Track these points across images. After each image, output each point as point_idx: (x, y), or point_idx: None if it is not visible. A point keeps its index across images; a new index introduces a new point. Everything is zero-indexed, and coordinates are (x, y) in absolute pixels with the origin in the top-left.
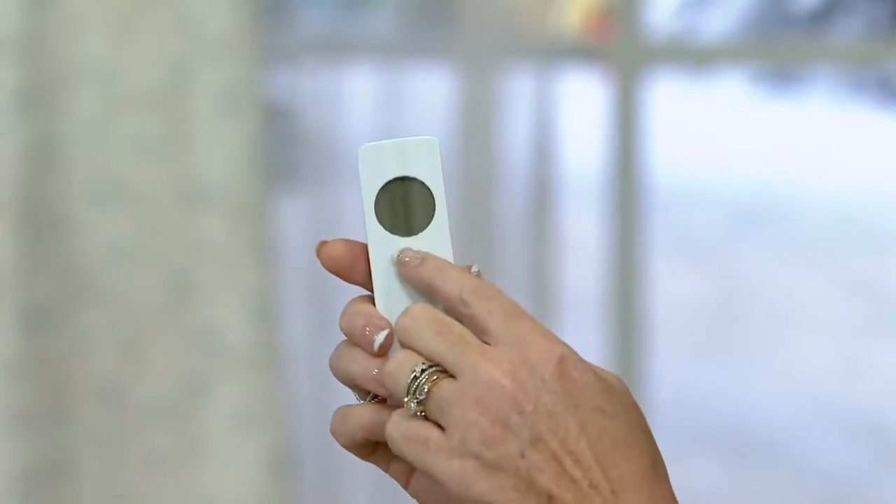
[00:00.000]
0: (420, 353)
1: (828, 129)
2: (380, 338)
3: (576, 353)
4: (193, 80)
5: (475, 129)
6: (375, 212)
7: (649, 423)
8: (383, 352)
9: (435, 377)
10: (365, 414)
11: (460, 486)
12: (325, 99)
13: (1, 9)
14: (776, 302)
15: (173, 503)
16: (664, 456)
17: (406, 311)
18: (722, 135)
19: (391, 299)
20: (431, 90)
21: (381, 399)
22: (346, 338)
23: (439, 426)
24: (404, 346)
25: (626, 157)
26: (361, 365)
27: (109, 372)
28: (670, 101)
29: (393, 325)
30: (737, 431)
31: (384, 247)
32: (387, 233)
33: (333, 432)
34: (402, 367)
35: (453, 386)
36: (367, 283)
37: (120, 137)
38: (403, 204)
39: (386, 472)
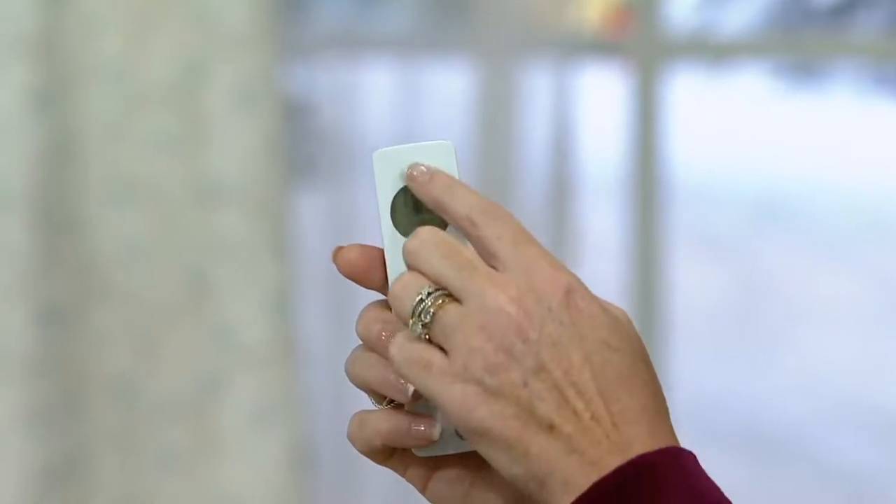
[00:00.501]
0: (427, 276)
1: (849, 124)
2: None
3: (583, 284)
4: (210, 76)
5: (493, 124)
6: (391, 216)
7: None
8: None
9: (441, 301)
10: (382, 419)
11: (461, 412)
12: (343, 94)
13: (17, 8)
14: (796, 297)
15: (189, 501)
16: None
17: (415, 234)
18: (742, 130)
19: None
20: (449, 85)
21: (399, 404)
22: (361, 343)
23: (443, 350)
24: (411, 268)
25: (645, 153)
26: (378, 370)
27: (125, 369)
28: (690, 96)
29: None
30: (755, 428)
31: (400, 252)
32: (403, 237)
33: (351, 438)
34: (407, 290)
35: (459, 310)
36: (384, 289)
37: (136, 135)
38: (418, 208)
39: (403, 476)
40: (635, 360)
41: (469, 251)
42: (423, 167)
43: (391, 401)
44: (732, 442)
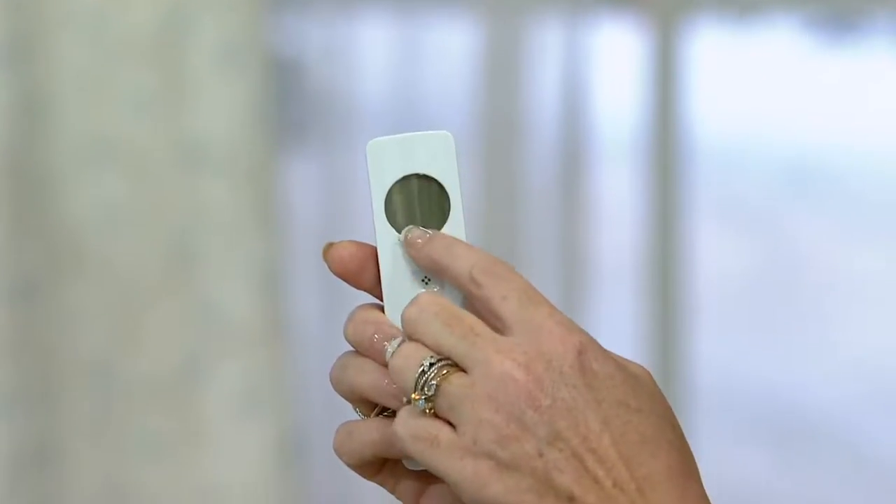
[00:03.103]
0: (427, 346)
1: (890, 83)
2: (392, 347)
3: (596, 343)
4: (193, 29)
5: (500, 85)
6: (385, 212)
7: (689, 405)
8: None
9: (444, 371)
10: (373, 429)
11: (473, 488)
12: (337, 51)
13: None
14: (830, 272)
15: (171, 492)
16: (705, 443)
17: (413, 301)
18: (771, 89)
19: (402, 306)
20: (452, 42)
21: (391, 413)
22: (351, 348)
23: (450, 424)
24: (411, 338)
25: (664, 115)
26: (371, 376)
27: (101, 350)
28: (713, 52)
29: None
30: (786, 416)
31: (395, 250)
32: (398, 235)
33: (338, 450)
34: (408, 362)
35: (464, 381)
36: (376, 289)
37: (112, 92)
38: (415, 203)
39: (392, 492)
40: (658, 419)
41: (471, 317)
42: (420, 231)
43: (381, 411)
44: (760, 429)
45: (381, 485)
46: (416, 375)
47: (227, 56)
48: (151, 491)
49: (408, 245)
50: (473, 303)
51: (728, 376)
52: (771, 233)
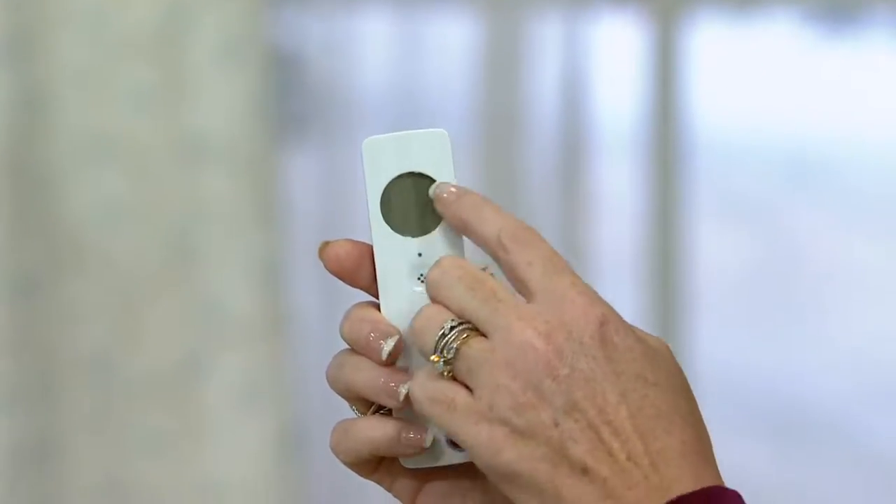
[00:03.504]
0: (450, 309)
1: (890, 76)
2: (388, 345)
3: (618, 315)
4: (193, 24)
5: (500, 78)
6: (381, 210)
7: None
8: (391, 360)
9: (465, 335)
10: (370, 427)
11: (487, 453)
12: (337, 46)
13: None
14: (831, 265)
15: (171, 486)
16: None
17: (437, 263)
18: (770, 83)
19: (398, 305)
20: (452, 36)
21: (388, 411)
22: (347, 346)
23: (468, 388)
24: (434, 300)
25: (665, 108)
26: (368, 374)
27: (101, 345)
28: (713, 46)
29: (401, 332)
30: (785, 408)
31: (391, 248)
32: (394, 233)
33: (334, 448)
34: (430, 323)
35: (484, 345)
36: (372, 287)
37: (112, 88)
38: (412, 202)
39: (389, 490)
40: (675, 394)
41: (494, 281)
42: (450, 186)
43: (378, 409)
44: (761, 422)
45: (378, 483)
46: (437, 338)
47: (227, 51)
48: (152, 486)
49: (437, 200)
50: (500, 266)
51: (727, 369)
52: (770, 226)
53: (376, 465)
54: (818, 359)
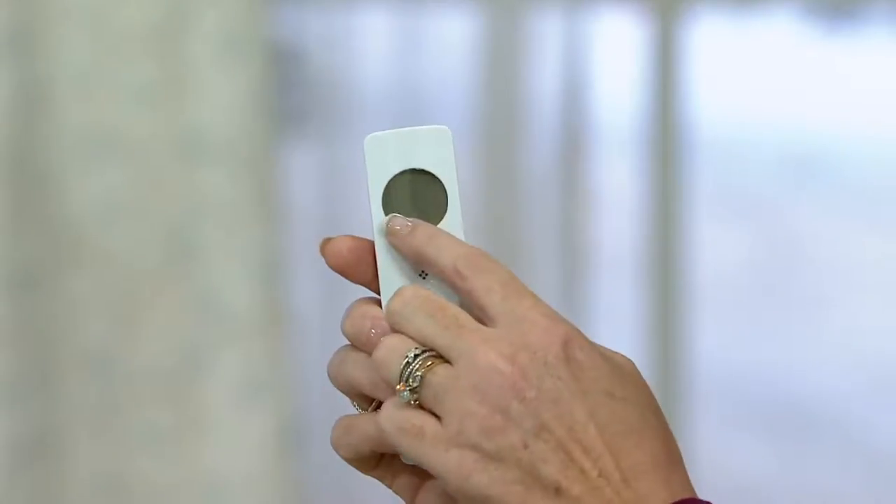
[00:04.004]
0: (412, 338)
1: (890, 71)
2: None
3: (581, 334)
4: (192, 19)
5: (500, 74)
6: (383, 207)
7: (688, 393)
8: None
9: (429, 363)
10: (370, 424)
11: (458, 479)
12: (337, 41)
13: None
14: (832, 261)
15: (171, 481)
16: (703, 430)
17: (396, 293)
18: (770, 78)
19: None
20: (453, 32)
21: None
22: (348, 342)
23: (436, 416)
24: (395, 330)
25: (664, 104)
26: (368, 371)
27: (102, 340)
28: (713, 41)
29: None
30: (787, 404)
31: (391, 245)
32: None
33: (335, 444)
34: (393, 353)
35: (448, 372)
36: (373, 283)
37: (112, 84)
38: (413, 198)
39: (390, 487)
40: (643, 409)
41: (455, 308)
42: (401, 220)
43: (378, 405)
44: (761, 419)
45: (379, 479)
46: (401, 367)
47: (227, 46)
48: (152, 481)
49: (389, 234)
50: (459, 295)
51: (727, 364)
52: (770, 221)
53: (377, 461)
54: (817, 354)
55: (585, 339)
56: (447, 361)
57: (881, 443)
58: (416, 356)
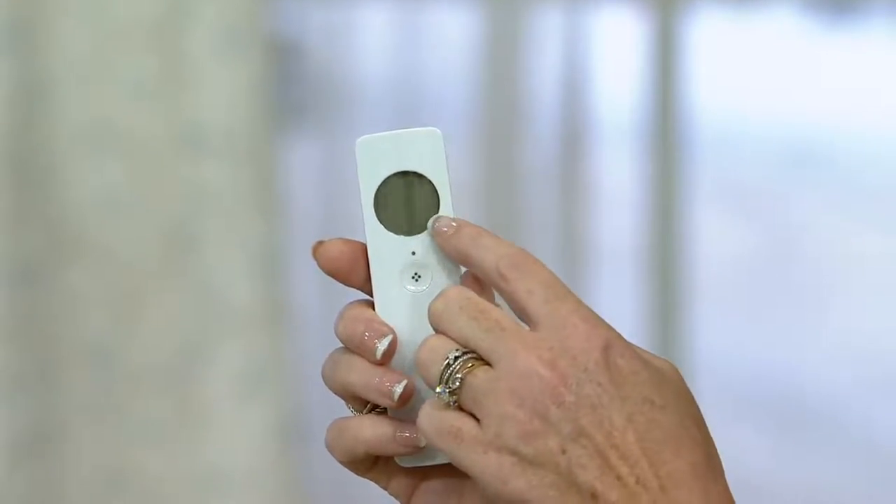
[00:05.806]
0: (454, 339)
1: (889, 65)
2: (382, 345)
3: (622, 339)
4: (192, 13)
5: (501, 68)
6: (375, 209)
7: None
8: (386, 360)
9: (469, 364)
10: (365, 426)
11: (496, 482)
12: (337, 35)
13: None
14: (832, 256)
15: (172, 475)
16: None
17: (440, 294)
18: (770, 73)
19: (392, 304)
20: (453, 26)
21: (381, 411)
22: (342, 345)
23: (475, 417)
24: (437, 330)
25: (665, 98)
26: (362, 374)
27: (102, 334)
28: (713, 35)
29: (395, 330)
30: (788, 401)
31: (384, 247)
32: (388, 232)
33: (330, 446)
34: (434, 354)
35: (489, 375)
36: (367, 286)
37: (112, 77)
38: (405, 200)
39: (385, 489)
40: (683, 417)
41: (498, 310)
42: (447, 220)
43: (373, 408)
44: (761, 415)
45: (375, 481)
46: (442, 368)
47: (227, 40)
48: (152, 475)
49: (435, 234)
50: (501, 296)
51: (727, 358)
52: (772, 216)
53: (372, 463)
54: (817, 349)
55: (627, 344)
56: (488, 364)
57: (881, 437)
58: (456, 358)
